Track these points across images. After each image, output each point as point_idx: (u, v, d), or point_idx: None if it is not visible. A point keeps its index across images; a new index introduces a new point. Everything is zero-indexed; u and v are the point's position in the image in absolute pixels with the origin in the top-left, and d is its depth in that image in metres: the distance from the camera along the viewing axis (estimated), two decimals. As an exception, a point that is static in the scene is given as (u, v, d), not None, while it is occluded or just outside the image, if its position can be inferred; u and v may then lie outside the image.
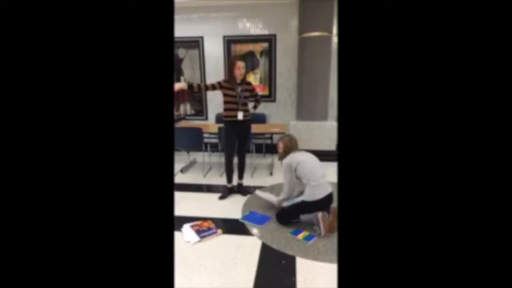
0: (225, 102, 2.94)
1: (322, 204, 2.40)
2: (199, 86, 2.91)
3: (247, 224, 2.54)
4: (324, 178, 2.48)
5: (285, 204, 2.60)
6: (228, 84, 2.90)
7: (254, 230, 2.42)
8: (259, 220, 2.58)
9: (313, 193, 2.40)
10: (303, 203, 2.45)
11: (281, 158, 2.63)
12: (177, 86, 2.80)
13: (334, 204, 2.50)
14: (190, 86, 2.88)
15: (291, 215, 2.51)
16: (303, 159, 2.50)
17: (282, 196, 2.61)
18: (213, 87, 2.91)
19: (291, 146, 2.62)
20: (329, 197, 2.44)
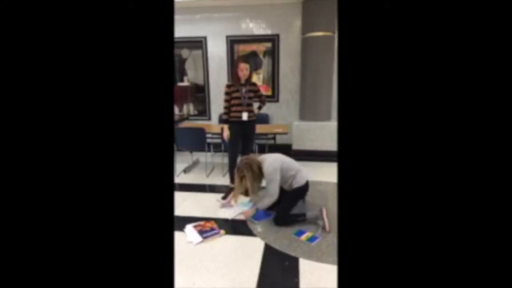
0: (231, 104, 2.96)
1: (307, 186, 2.58)
2: (227, 113, 2.99)
3: (249, 221, 2.55)
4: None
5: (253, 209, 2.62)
6: (232, 88, 2.94)
7: (257, 231, 2.42)
8: (261, 217, 2.62)
9: (304, 176, 2.56)
10: (298, 189, 2.53)
11: (256, 183, 2.52)
12: (225, 134, 2.98)
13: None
14: (226, 120, 3.01)
15: (289, 209, 2.51)
16: (281, 158, 2.54)
17: (270, 201, 2.50)
18: (227, 102, 2.97)
19: (254, 160, 2.52)
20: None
